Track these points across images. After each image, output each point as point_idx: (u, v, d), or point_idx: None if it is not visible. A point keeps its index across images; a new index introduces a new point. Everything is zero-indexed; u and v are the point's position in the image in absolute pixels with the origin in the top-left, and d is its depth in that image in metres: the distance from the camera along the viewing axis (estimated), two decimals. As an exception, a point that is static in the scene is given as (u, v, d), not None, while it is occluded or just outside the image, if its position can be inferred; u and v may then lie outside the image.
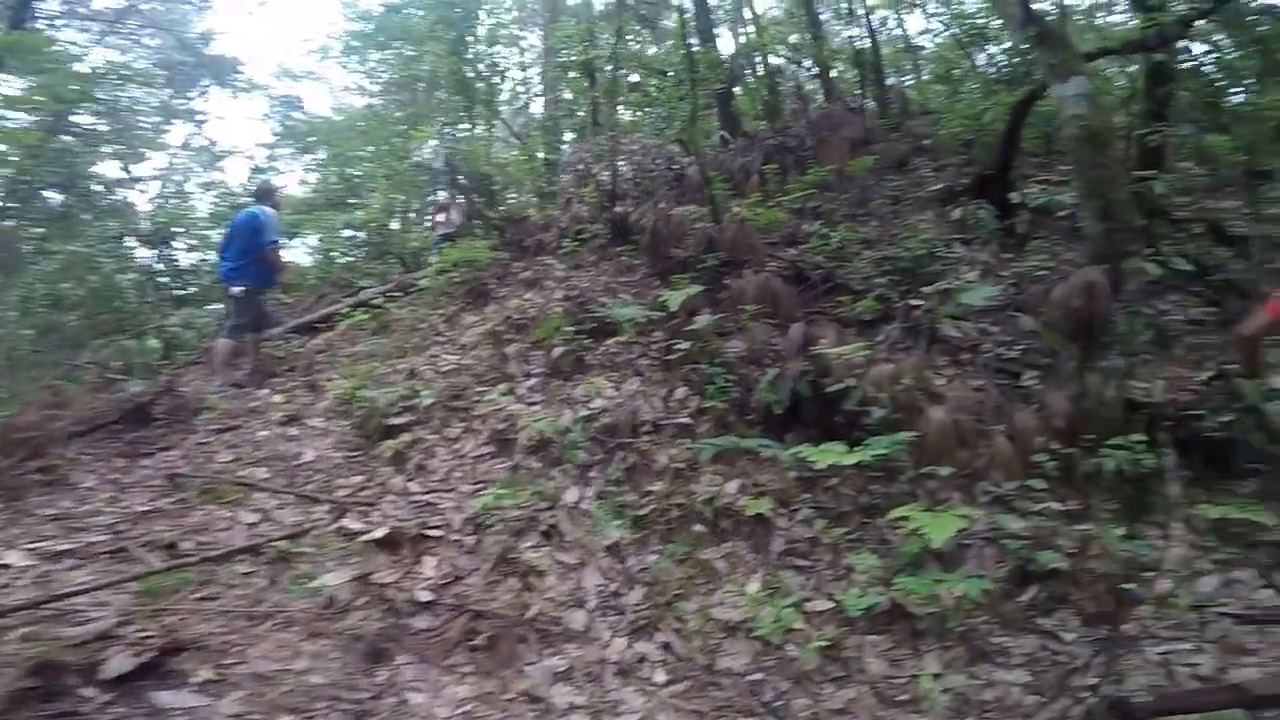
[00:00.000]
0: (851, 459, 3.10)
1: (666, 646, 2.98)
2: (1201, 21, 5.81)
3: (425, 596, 2.96)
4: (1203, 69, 5.02)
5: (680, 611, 3.10)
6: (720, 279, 5.09)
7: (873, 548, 3.35)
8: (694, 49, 8.62)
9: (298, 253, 10.83)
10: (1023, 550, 3.20)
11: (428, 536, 3.29)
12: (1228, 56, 5.00)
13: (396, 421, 3.92)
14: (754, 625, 3.00)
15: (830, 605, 3.13)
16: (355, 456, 3.87)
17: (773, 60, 10.83)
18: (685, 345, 4.03)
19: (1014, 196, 5.94)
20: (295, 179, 14.46)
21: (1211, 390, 3.79)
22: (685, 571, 3.29)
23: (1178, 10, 5.24)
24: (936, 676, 2.80)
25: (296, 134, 14.06)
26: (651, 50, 11.71)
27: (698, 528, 3.45)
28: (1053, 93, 4.29)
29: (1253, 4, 6.37)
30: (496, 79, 10.05)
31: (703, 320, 3.99)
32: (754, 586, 3.23)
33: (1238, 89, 5.10)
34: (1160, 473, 3.61)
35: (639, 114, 10.07)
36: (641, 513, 3.49)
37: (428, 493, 3.59)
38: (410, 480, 3.67)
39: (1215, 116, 4.90)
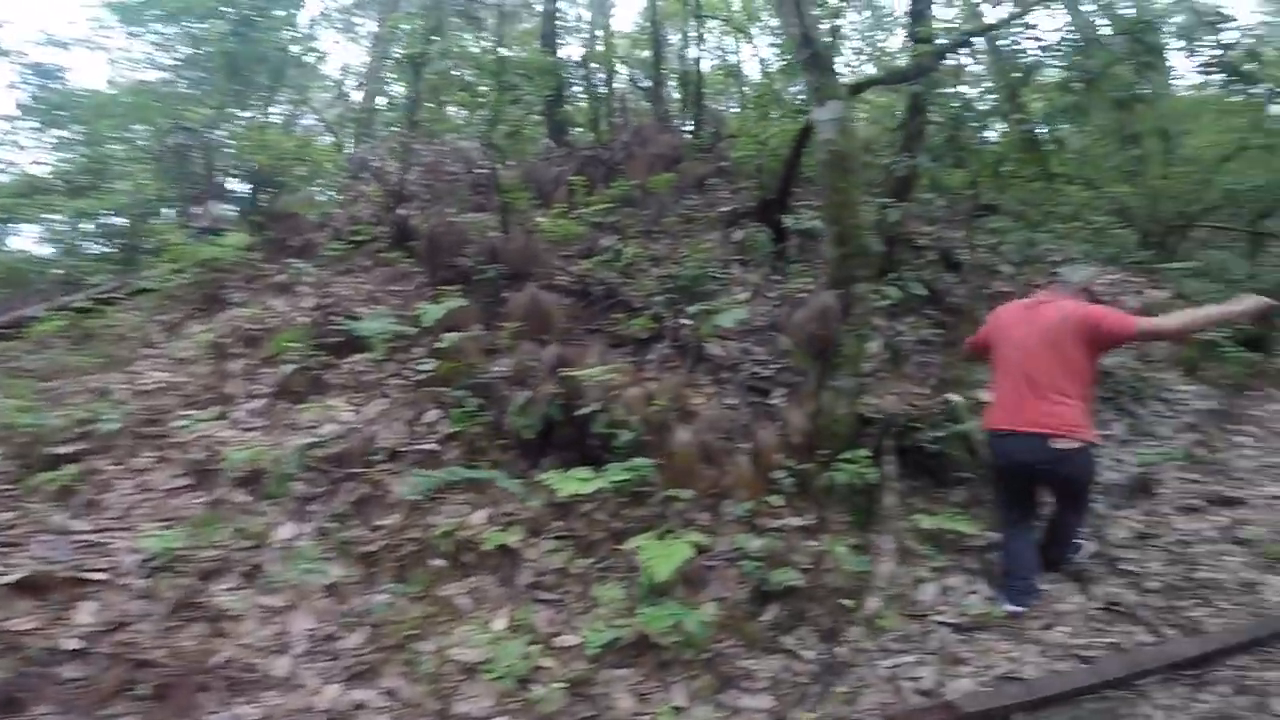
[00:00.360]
0: (591, 486, 2.97)
1: (391, 692, 2.67)
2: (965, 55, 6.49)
3: (73, 644, 2.50)
4: (951, 103, 5.51)
5: (413, 654, 2.80)
6: (500, 292, 4.84)
7: (621, 576, 3.25)
8: (513, 52, 8.44)
9: (24, 241, 9.09)
10: (758, 570, 3.26)
11: (86, 580, 2.73)
12: (968, 93, 5.57)
13: (66, 450, 3.23)
14: (496, 665, 2.77)
15: (579, 640, 2.97)
16: (8, 490, 3.13)
17: (608, 73, 10.93)
18: (434, 364, 3.71)
19: (788, 221, 6.30)
20: (34, 157, 12.12)
21: (930, 406, 4.17)
22: (422, 610, 2.99)
23: (939, 43, 5.76)
24: (679, 710, 2.71)
25: (47, 106, 11.77)
26: (503, 51, 11.26)
27: (437, 563, 3.16)
28: (813, 117, 4.43)
29: (1001, 42, 7.16)
30: (311, 60, 9.11)
31: (452, 337, 3.69)
32: (499, 623, 3.00)
33: (976, 123, 5.67)
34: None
35: (468, 115, 9.63)
36: (370, 549, 3.13)
37: (97, 531, 2.98)
38: (75, 518, 3.02)
39: (953, 149, 5.45)
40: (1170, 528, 3.78)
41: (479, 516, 3.33)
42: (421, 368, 3.74)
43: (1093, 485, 3.30)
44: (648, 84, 11.42)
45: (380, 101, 12.07)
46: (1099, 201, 9.62)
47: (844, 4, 9.94)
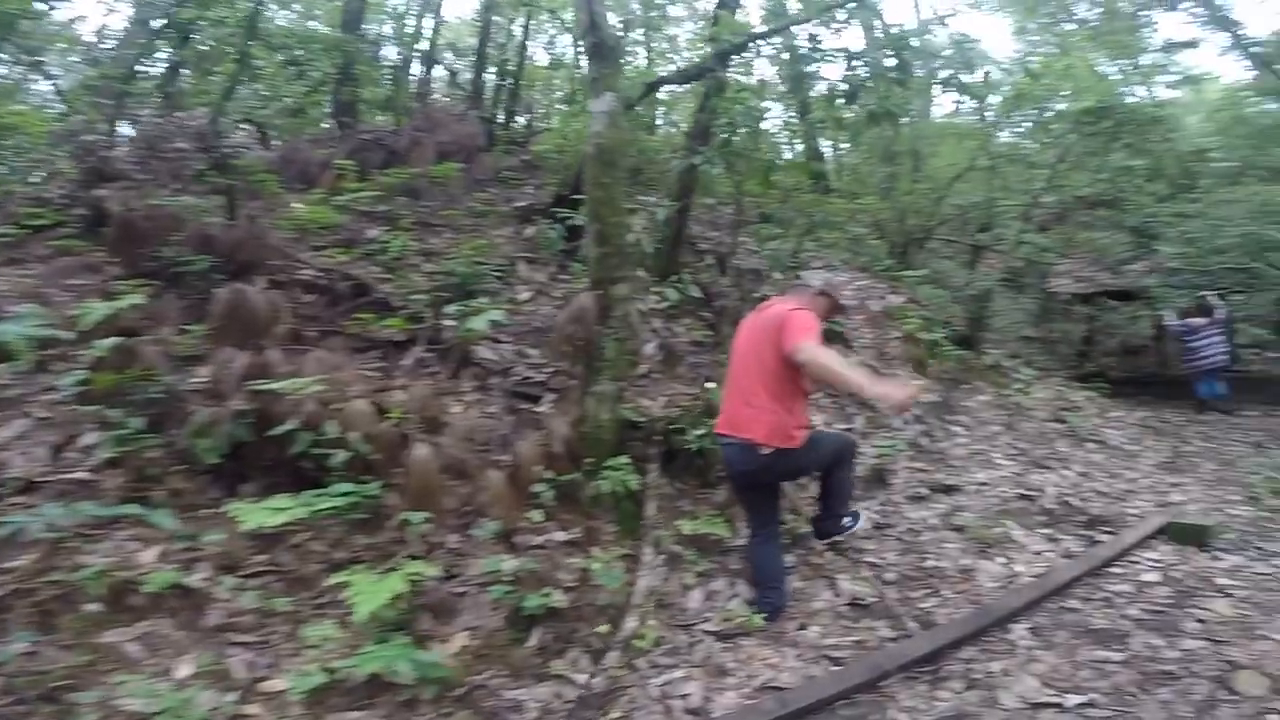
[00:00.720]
0: (284, 516, 2.45)
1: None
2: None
3: None
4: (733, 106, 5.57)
5: (67, 705, 2.15)
6: (214, 288, 4.03)
7: (345, 612, 2.75)
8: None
9: None
10: (510, 594, 2.95)
11: None
12: (741, 95, 5.66)
13: None
14: (183, 713, 2.19)
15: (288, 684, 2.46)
16: None
17: (423, 59, 10.06)
18: (85, 375, 2.92)
19: (581, 217, 6.12)
20: None
21: (694, 405, 4.16)
22: (75, 659, 2.30)
23: (725, 43, 5.77)
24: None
25: None
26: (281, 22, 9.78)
27: (91, 607, 2.46)
28: (590, 108, 4.22)
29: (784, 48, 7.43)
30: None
31: (108, 344, 2.91)
32: (183, 670, 2.40)
33: (749, 128, 5.81)
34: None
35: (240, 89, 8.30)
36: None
37: None
38: None
39: (727, 153, 5.57)
40: (902, 517, 4.09)
41: (150, 554, 2.65)
42: (70, 380, 2.91)
43: (830, 460, 3.32)
44: (458, 70, 10.82)
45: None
46: (862, 214, 10.82)
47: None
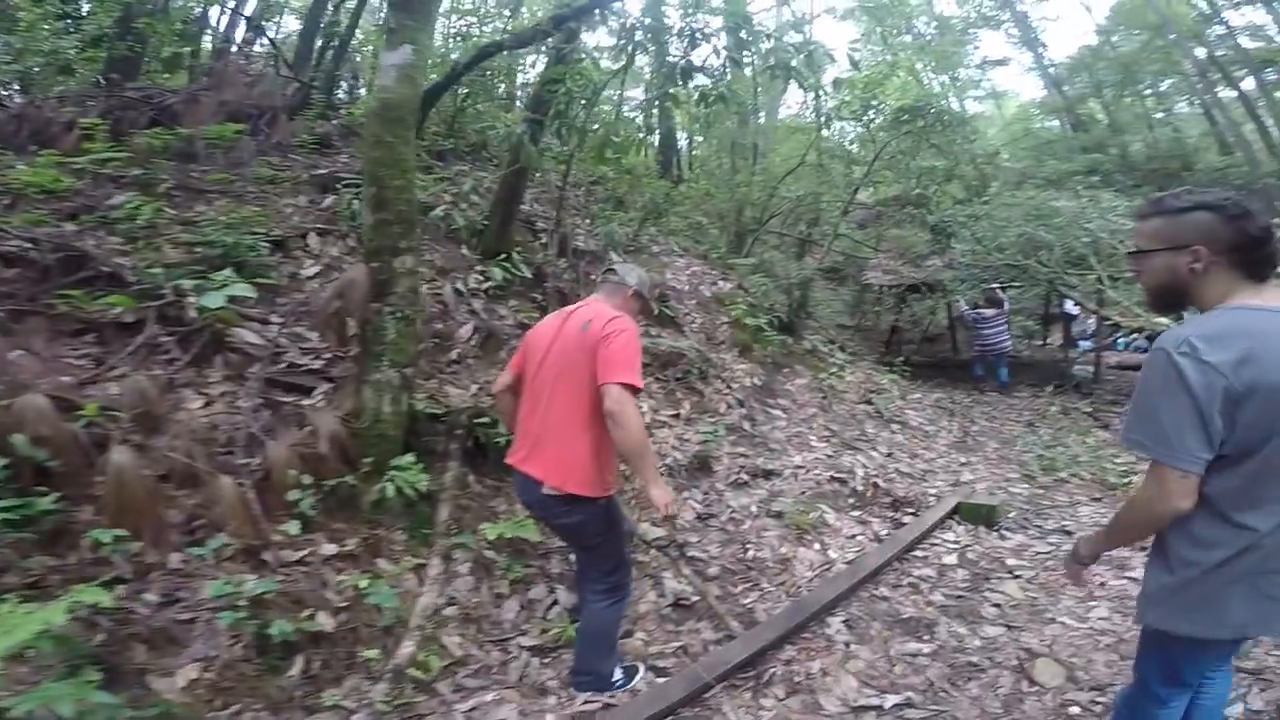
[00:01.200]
0: None
1: None
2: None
3: None
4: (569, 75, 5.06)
5: None
6: None
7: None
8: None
9: None
10: (248, 618, 2.37)
11: None
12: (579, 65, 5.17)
13: None
14: None
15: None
16: None
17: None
18: None
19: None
20: None
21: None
22: None
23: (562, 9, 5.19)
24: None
25: None
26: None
27: None
28: (380, 60, 3.62)
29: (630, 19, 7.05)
30: None
31: None
32: None
33: (587, 101, 5.38)
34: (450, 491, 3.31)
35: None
36: None
37: None
38: None
39: (564, 124, 5.14)
40: (725, 505, 3.94)
41: None
42: None
43: (609, 551, 2.51)
44: (267, 27, 9.44)
45: None
46: (706, 203, 10.93)
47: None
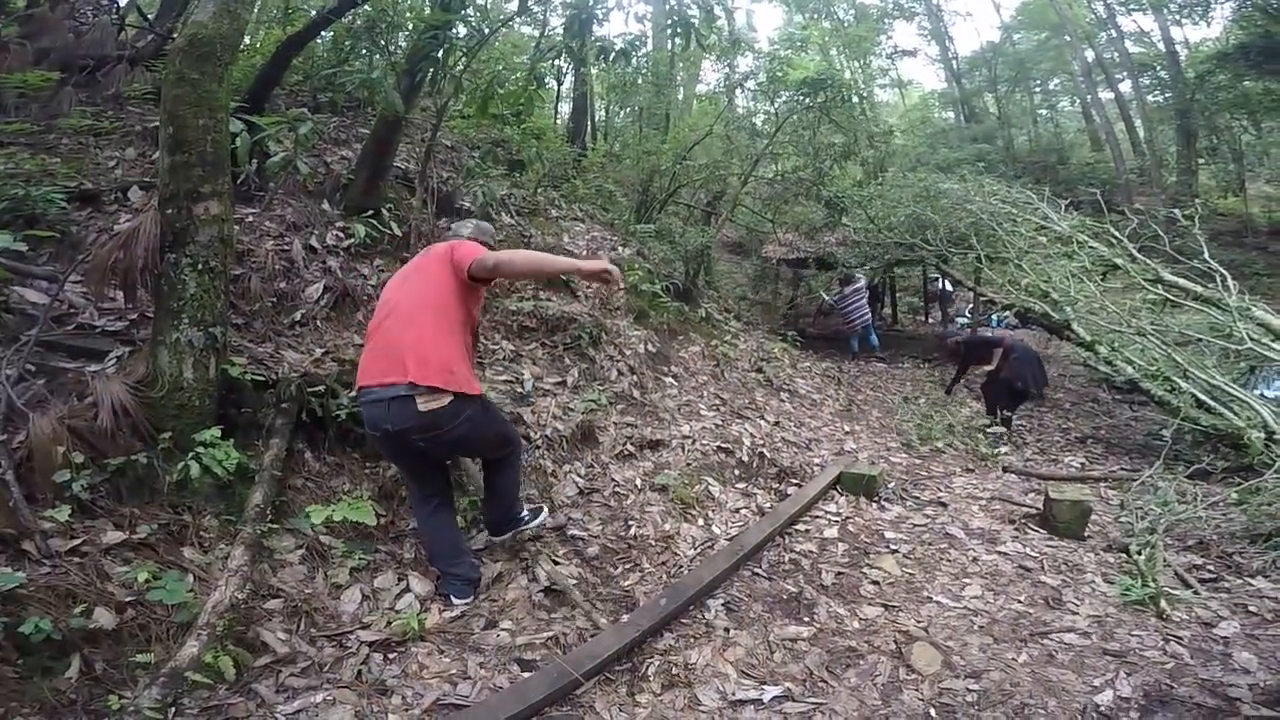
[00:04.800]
0: None
1: None
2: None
3: None
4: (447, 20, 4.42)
5: None
6: None
7: None
8: None
9: None
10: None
11: None
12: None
13: None
14: None
15: None
16: None
17: None
18: None
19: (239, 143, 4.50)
20: None
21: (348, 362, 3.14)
22: None
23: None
24: None
25: None
26: None
27: None
28: None
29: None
30: None
31: None
32: None
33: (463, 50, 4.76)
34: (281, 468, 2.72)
35: None
36: None
37: None
38: None
39: (438, 74, 4.45)
40: (609, 478, 3.55)
41: None
42: None
43: (506, 440, 2.62)
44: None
45: None
46: (619, 172, 10.40)
47: None
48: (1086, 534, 3.53)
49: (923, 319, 12.64)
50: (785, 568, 3.05)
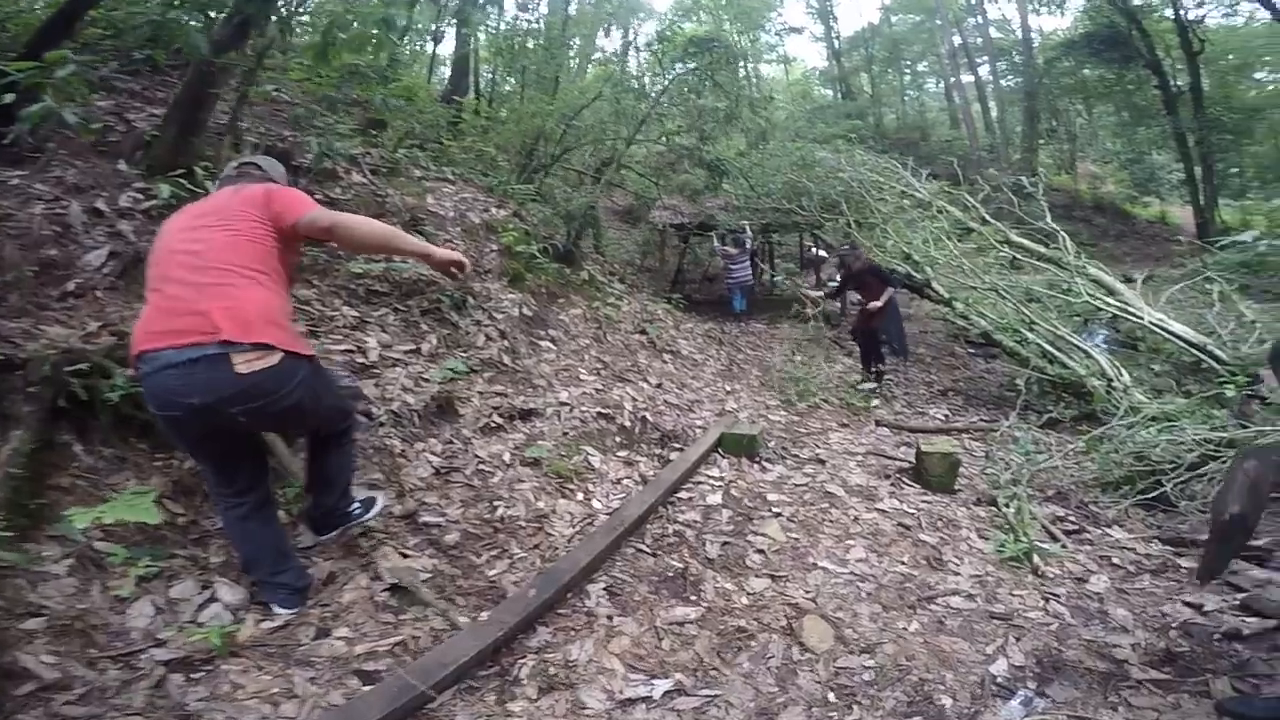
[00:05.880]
0: None
1: None
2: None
3: None
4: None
5: None
6: None
7: None
8: None
9: None
10: None
11: None
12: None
13: None
14: None
15: None
16: None
17: None
18: None
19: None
20: None
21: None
22: None
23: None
24: None
25: None
26: None
27: None
28: None
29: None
30: None
31: None
32: None
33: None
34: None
35: None
36: None
37: None
38: None
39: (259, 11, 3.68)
40: (472, 455, 3.13)
41: None
42: None
43: (344, 412, 2.20)
44: None
45: None
46: (502, 135, 9.68)
47: None
48: (957, 487, 3.57)
49: (799, 283, 13.02)
50: (669, 541, 2.81)
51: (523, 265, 5.09)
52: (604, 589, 2.44)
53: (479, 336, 3.99)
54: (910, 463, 3.82)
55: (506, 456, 3.19)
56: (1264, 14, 14.27)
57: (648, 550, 2.72)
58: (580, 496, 3.07)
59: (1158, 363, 4.42)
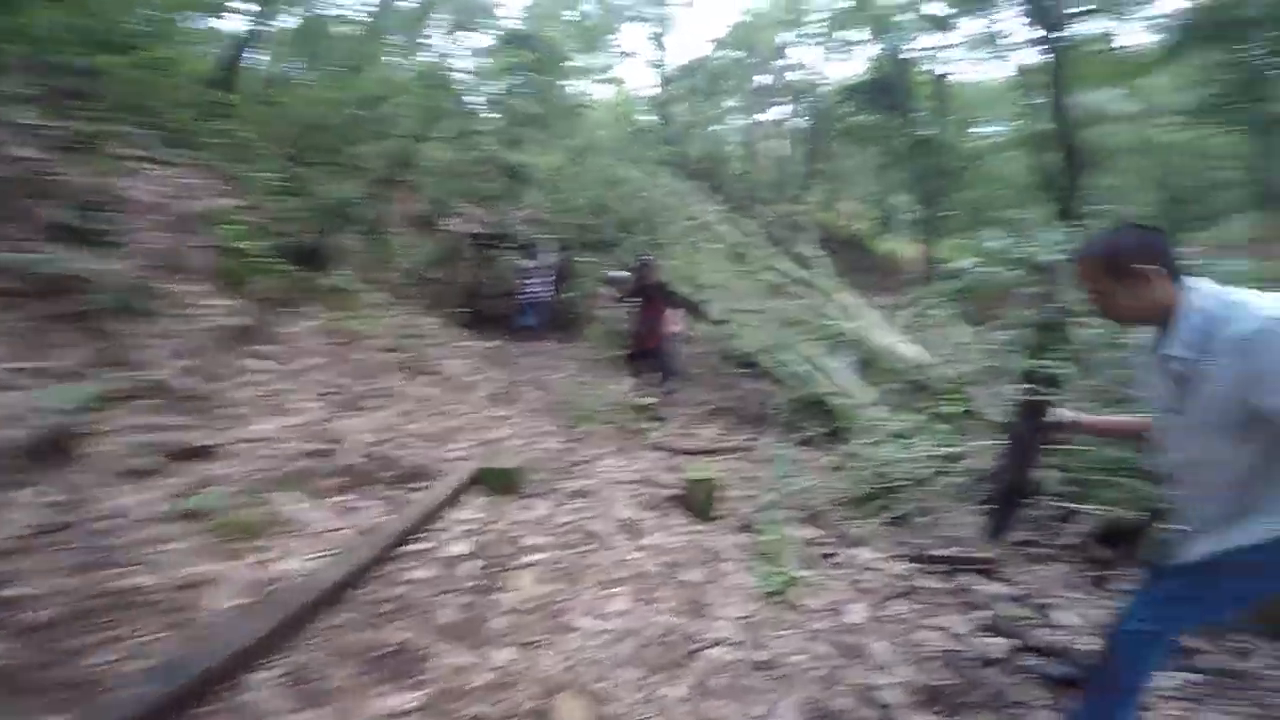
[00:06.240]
0: None
1: None
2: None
3: None
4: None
5: None
6: None
7: None
8: None
9: None
10: None
11: None
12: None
13: None
14: None
15: None
16: None
17: None
18: None
19: None
20: None
21: None
22: None
23: None
24: None
25: None
26: None
27: None
28: None
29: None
30: None
31: None
32: None
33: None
34: None
35: None
36: None
37: None
38: None
39: None
40: (95, 506, 2.27)
41: None
42: None
43: None
44: None
45: None
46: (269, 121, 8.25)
47: None
48: (722, 513, 3.43)
49: (600, 302, 12.93)
50: (389, 607, 2.23)
51: (244, 266, 4.16)
52: (282, 676, 1.81)
53: (150, 352, 3.06)
54: (681, 489, 3.64)
55: (161, 508, 2.38)
56: (999, 70, 17.37)
57: (359, 620, 2.13)
58: (253, 558, 2.36)
59: (894, 383, 4.79)
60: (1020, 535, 3.17)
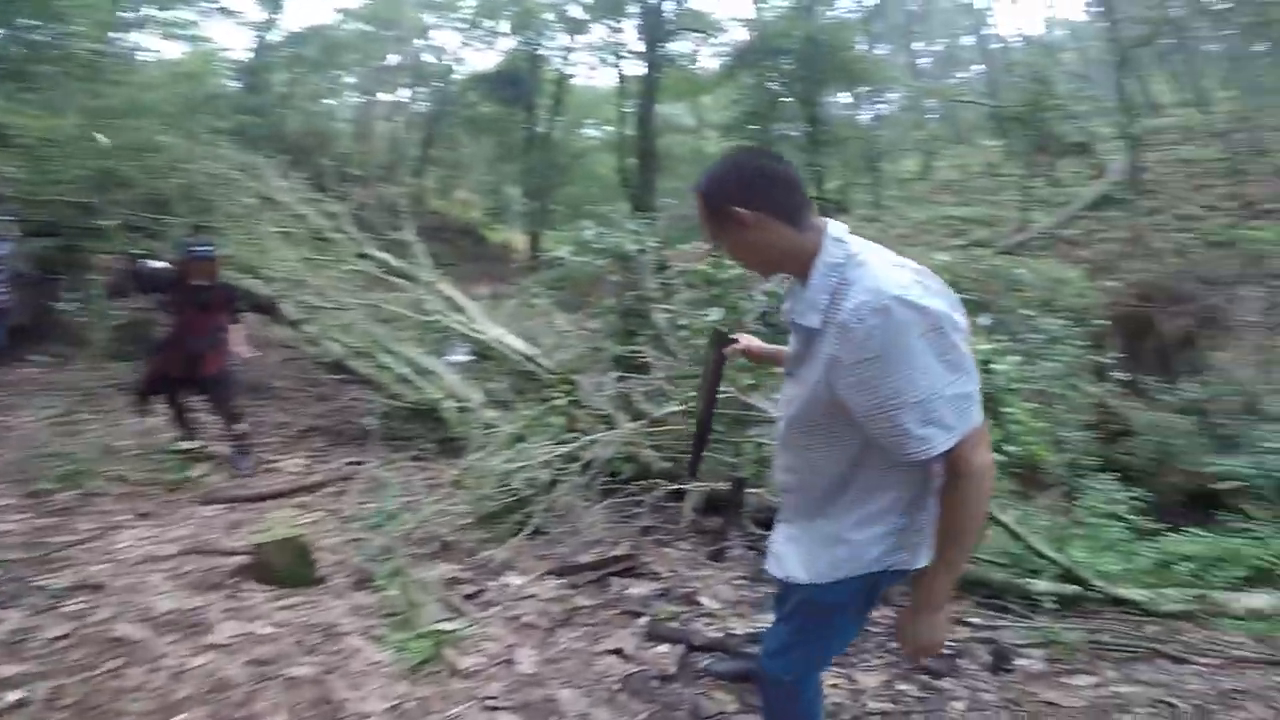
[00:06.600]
0: None
1: None
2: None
3: None
4: None
5: None
6: None
7: None
8: None
9: None
10: None
11: None
12: None
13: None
14: None
15: None
16: None
17: None
18: None
19: None
20: None
21: None
22: None
23: None
24: None
25: None
26: None
27: None
28: None
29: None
30: None
31: None
32: None
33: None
34: None
35: None
36: None
37: None
38: None
39: None
40: None
41: None
42: None
43: None
44: None
45: None
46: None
47: None
48: (324, 572, 2.68)
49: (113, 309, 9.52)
50: None
51: None
52: None
53: None
54: (252, 553, 2.68)
55: None
56: (608, 78, 18.65)
57: None
58: None
59: (501, 377, 4.54)
60: (645, 522, 3.20)
